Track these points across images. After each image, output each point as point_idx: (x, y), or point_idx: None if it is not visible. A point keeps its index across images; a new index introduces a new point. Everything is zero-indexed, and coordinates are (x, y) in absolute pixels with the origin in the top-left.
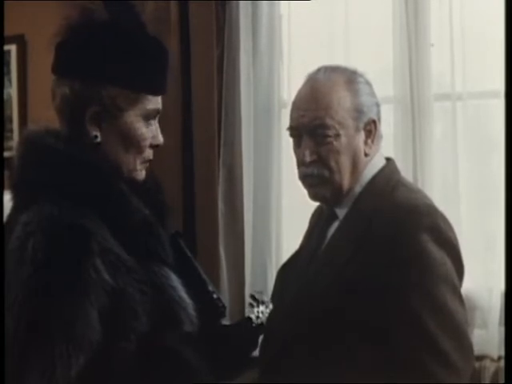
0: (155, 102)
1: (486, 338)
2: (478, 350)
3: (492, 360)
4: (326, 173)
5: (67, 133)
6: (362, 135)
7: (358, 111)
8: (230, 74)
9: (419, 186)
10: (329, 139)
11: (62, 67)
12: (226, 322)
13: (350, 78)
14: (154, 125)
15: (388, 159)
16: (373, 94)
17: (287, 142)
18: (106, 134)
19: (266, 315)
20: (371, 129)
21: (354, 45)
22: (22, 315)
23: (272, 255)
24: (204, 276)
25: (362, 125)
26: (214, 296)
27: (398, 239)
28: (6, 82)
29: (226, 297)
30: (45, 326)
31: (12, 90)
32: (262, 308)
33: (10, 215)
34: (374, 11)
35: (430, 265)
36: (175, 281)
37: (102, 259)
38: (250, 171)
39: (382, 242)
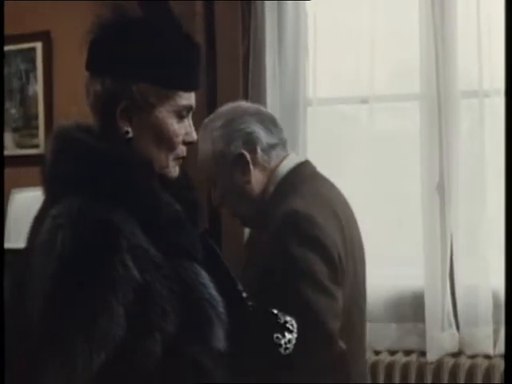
0: (188, 98)
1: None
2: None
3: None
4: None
5: (99, 128)
6: (237, 170)
7: (219, 157)
8: (256, 72)
9: (445, 184)
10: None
11: (94, 64)
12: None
13: (206, 128)
14: (188, 121)
15: (298, 165)
16: (235, 128)
17: (312, 139)
18: (138, 129)
19: (294, 342)
20: (243, 161)
21: (379, 42)
22: (46, 308)
23: None
24: (233, 275)
25: (230, 164)
26: (243, 295)
27: (273, 240)
28: (32, 79)
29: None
30: (68, 319)
31: (38, 87)
32: (289, 336)
33: (41, 209)
34: (401, 8)
35: (291, 262)
36: (205, 278)
37: (131, 255)
38: None
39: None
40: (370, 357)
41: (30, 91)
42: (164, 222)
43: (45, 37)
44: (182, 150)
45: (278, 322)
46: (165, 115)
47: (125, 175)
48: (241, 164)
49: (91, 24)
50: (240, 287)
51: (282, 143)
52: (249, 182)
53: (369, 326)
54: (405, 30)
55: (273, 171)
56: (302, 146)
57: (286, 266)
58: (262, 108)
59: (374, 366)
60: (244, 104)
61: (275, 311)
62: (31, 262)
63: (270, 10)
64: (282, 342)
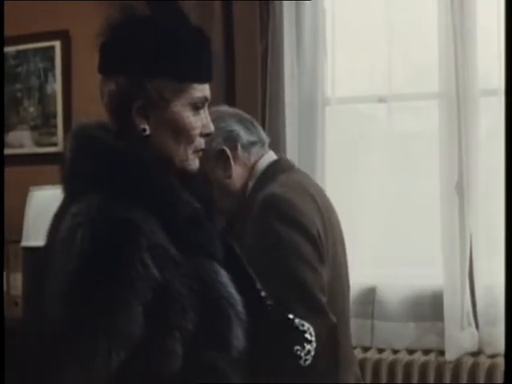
0: (202, 90)
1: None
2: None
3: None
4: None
5: (116, 128)
6: (219, 166)
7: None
8: (274, 70)
9: (464, 183)
10: None
11: (106, 66)
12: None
13: None
14: (204, 113)
15: (277, 159)
16: (216, 127)
17: (331, 138)
18: (155, 126)
19: (313, 353)
20: (224, 157)
21: (398, 39)
22: (64, 306)
23: None
24: (252, 273)
25: (211, 160)
26: (262, 294)
27: (255, 225)
28: (50, 78)
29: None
30: (87, 318)
31: (56, 86)
32: (308, 347)
33: (61, 207)
34: (419, 5)
35: (279, 242)
36: (224, 276)
37: (150, 253)
38: None
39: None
40: (388, 356)
41: (49, 89)
42: (183, 220)
43: (63, 36)
44: (200, 142)
45: (297, 329)
46: (180, 109)
47: (144, 173)
48: (222, 160)
49: (101, 27)
50: (259, 286)
51: (262, 142)
52: (230, 176)
53: (387, 325)
54: (424, 28)
55: (252, 167)
56: (320, 145)
57: (272, 244)
58: (240, 111)
59: (392, 365)
60: (224, 107)
61: (291, 316)
62: (50, 259)
63: (288, 10)
64: (302, 354)
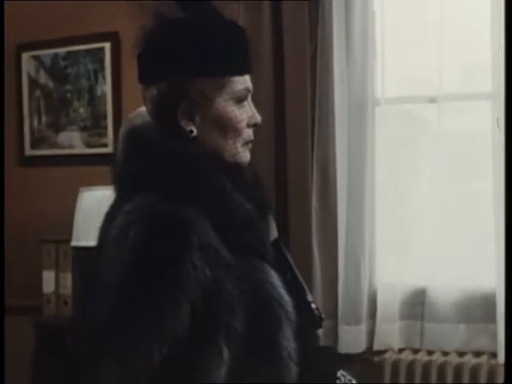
0: (243, 82)
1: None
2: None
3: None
4: None
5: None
6: None
7: None
8: (324, 72)
9: None
10: None
11: (146, 76)
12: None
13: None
14: (248, 105)
15: None
16: None
17: (381, 139)
18: (201, 125)
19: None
20: None
21: (448, 40)
22: (114, 301)
23: (365, 253)
24: (304, 285)
25: None
26: (313, 306)
27: None
28: (100, 79)
29: (318, 293)
30: (133, 315)
31: (106, 87)
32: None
33: (113, 206)
34: (471, 4)
35: None
36: (274, 277)
37: (201, 253)
38: (343, 169)
39: None
40: (438, 358)
41: (99, 91)
42: (235, 221)
43: (113, 37)
44: (248, 134)
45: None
46: (224, 104)
47: (196, 173)
48: None
49: (136, 37)
50: (310, 297)
51: None
52: None
53: (437, 326)
54: (475, 27)
55: None
56: (370, 145)
57: None
58: None
59: (442, 367)
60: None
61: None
62: (102, 257)
63: (337, 12)
64: (343, 380)
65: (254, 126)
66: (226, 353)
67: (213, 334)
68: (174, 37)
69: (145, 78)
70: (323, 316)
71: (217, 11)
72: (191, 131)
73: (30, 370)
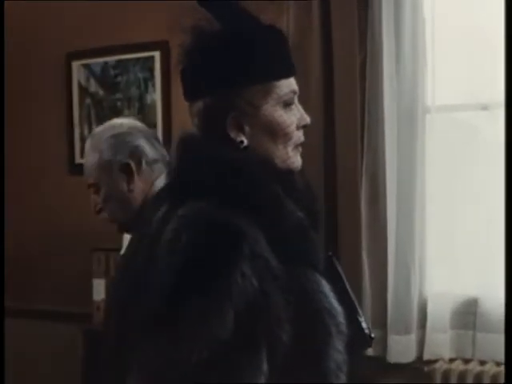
0: (288, 85)
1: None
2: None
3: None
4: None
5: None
6: (122, 179)
7: (106, 165)
8: (373, 80)
9: None
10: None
11: (191, 92)
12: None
13: (93, 137)
14: (296, 107)
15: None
16: (122, 140)
17: (431, 148)
18: (251, 134)
19: None
20: (128, 171)
21: (499, 50)
22: (163, 302)
23: (415, 262)
24: (356, 303)
25: (115, 173)
26: (363, 325)
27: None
28: (150, 88)
29: (368, 301)
30: (177, 317)
31: (156, 96)
32: None
33: (166, 211)
34: None
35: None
36: (326, 287)
37: (251, 264)
38: (393, 178)
39: None
40: (490, 368)
41: (149, 99)
42: (288, 229)
43: (163, 46)
44: (298, 136)
45: None
46: (271, 110)
47: (248, 181)
48: (126, 173)
49: (178, 55)
50: (361, 317)
51: (163, 159)
52: (132, 190)
53: (489, 336)
54: None
55: (153, 183)
56: (420, 154)
57: None
58: (146, 126)
59: (495, 378)
60: (131, 121)
61: None
62: (154, 259)
63: (386, 18)
64: None
65: (304, 127)
66: (265, 368)
67: (254, 346)
68: (214, 50)
69: (190, 94)
70: (373, 335)
71: (253, 18)
72: (242, 142)
73: (80, 376)
